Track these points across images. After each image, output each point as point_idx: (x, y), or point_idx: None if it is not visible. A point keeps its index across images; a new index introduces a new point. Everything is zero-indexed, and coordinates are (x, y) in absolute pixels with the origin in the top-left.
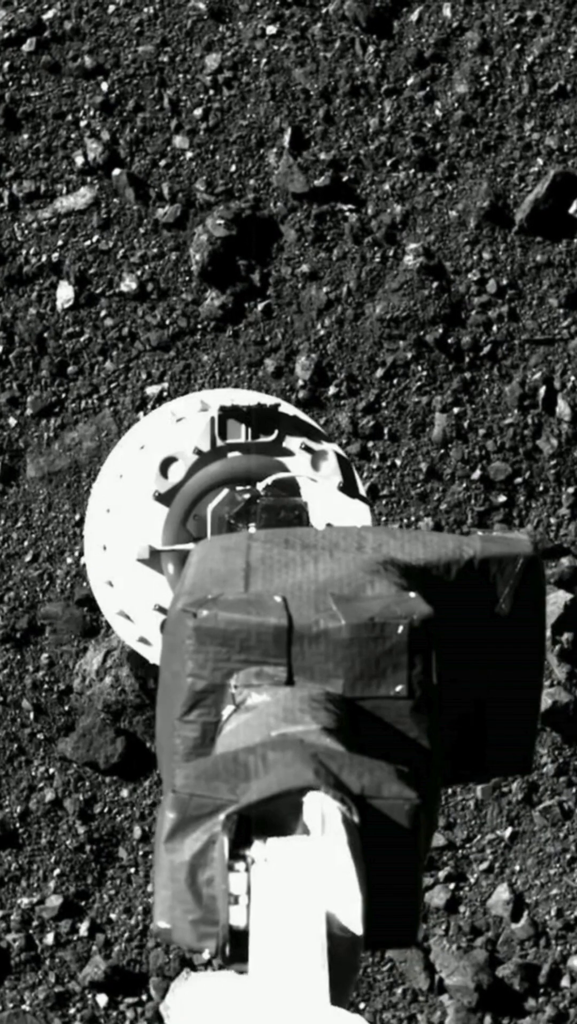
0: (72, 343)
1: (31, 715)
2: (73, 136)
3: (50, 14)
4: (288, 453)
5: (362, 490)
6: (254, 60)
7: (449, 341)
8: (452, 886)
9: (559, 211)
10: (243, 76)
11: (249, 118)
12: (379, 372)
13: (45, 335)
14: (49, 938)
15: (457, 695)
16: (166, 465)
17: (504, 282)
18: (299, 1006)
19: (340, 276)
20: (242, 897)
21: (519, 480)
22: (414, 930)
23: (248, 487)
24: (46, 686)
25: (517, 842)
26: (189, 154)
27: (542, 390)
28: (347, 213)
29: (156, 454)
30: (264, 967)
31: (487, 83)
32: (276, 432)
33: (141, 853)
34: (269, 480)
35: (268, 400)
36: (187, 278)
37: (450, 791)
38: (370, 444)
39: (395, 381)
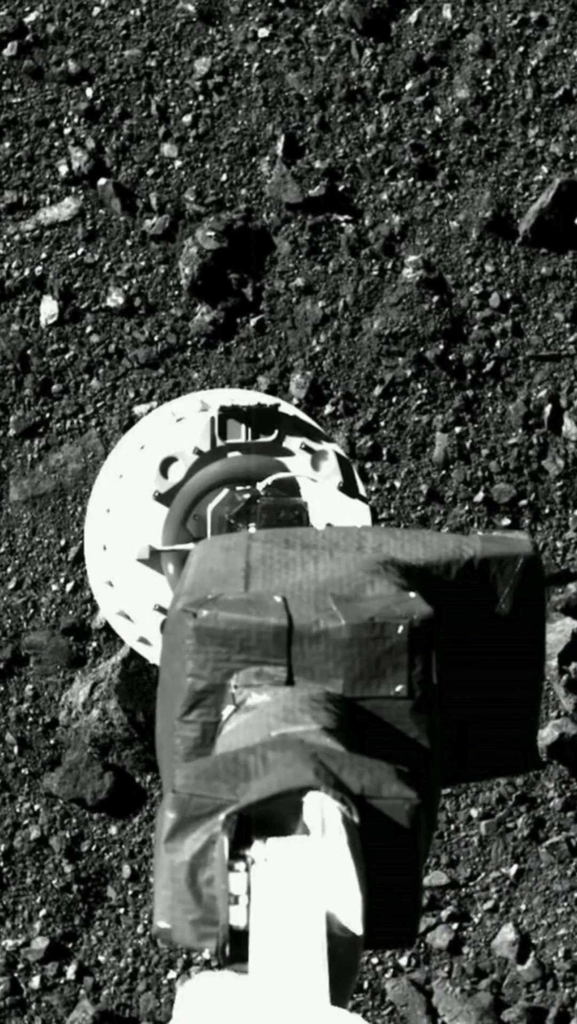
0: (56, 360)
1: (15, 749)
2: (57, 144)
3: (32, 17)
4: (288, 453)
5: (362, 490)
6: (245, 64)
7: (450, 357)
8: (455, 926)
9: (565, 221)
10: (234, 81)
11: (240, 125)
12: (377, 390)
13: (28, 352)
14: (35, 982)
15: (456, 696)
16: (166, 465)
17: (507, 296)
18: (299, 1006)
19: (336, 290)
20: (242, 897)
21: (524, 502)
22: (414, 930)
23: (248, 487)
24: (31, 719)
25: (523, 880)
26: (178, 163)
27: (548, 408)
28: (343, 224)
29: (156, 454)
30: (264, 967)
31: (489, 88)
32: (276, 432)
33: (130, 893)
34: (269, 480)
35: (268, 400)
36: (176, 292)
37: (452, 827)
38: (368, 465)
39: (394, 399)
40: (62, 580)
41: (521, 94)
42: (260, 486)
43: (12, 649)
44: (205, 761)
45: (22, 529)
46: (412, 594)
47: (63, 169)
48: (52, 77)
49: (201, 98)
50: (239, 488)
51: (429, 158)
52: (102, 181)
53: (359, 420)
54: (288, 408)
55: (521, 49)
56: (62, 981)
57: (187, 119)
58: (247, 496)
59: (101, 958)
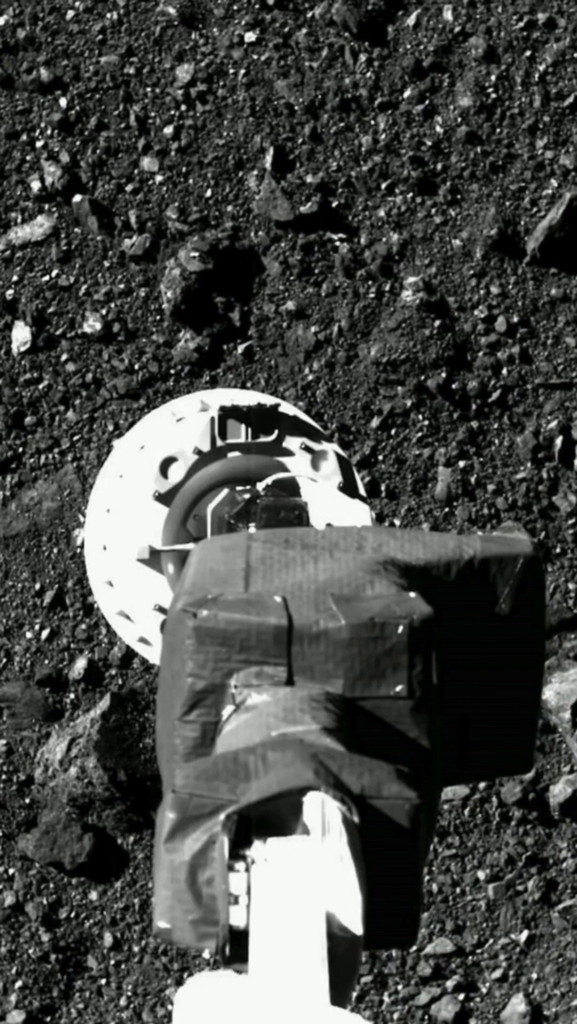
0: (29, 391)
1: None
2: (29, 158)
3: (1, 21)
4: (288, 453)
5: (362, 490)
6: (231, 71)
7: (453, 386)
8: (462, 997)
9: (576, 239)
10: (219, 89)
11: (226, 137)
12: (375, 422)
13: None
14: None
15: (456, 695)
16: (166, 465)
17: (515, 319)
18: (299, 1006)
19: (330, 314)
20: (242, 897)
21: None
22: (414, 930)
23: (248, 487)
24: (4, 776)
25: (534, 947)
26: (159, 178)
27: (558, 441)
28: (337, 243)
29: (156, 454)
30: (264, 967)
31: (494, 95)
32: (276, 432)
33: (112, 963)
34: (269, 480)
35: (268, 400)
36: (158, 317)
37: (458, 891)
38: None
39: (393, 432)
40: (37, 627)
41: (528, 102)
42: (260, 486)
43: None
44: (205, 761)
45: None
46: (412, 594)
47: (35, 185)
48: (23, 86)
49: (184, 108)
50: (239, 488)
51: (429, 171)
52: (77, 198)
53: (356, 454)
54: (288, 408)
55: (528, 53)
56: None
57: (168, 130)
58: (247, 496)
59: None
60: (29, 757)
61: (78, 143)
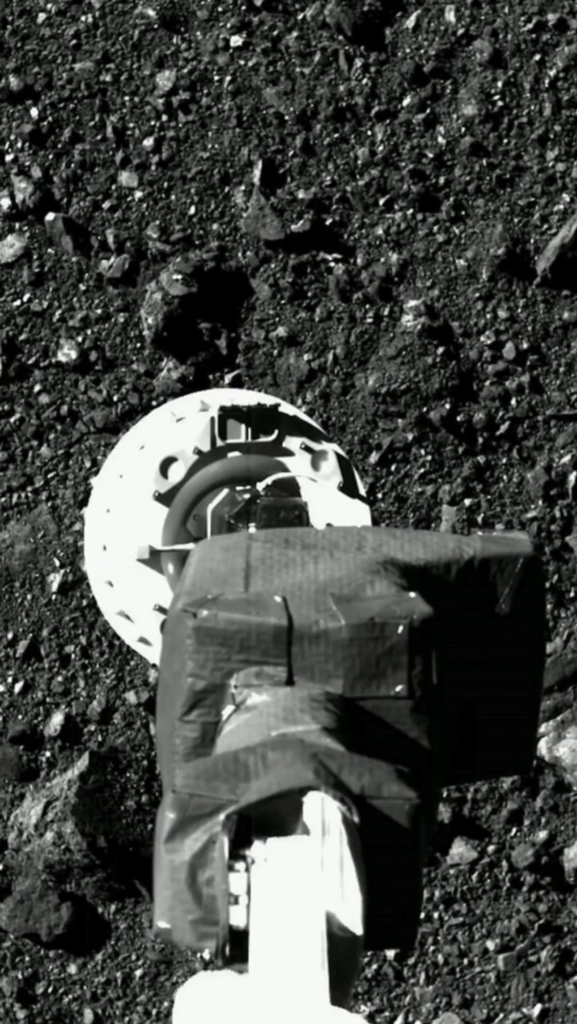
0: (0, 424)
1: None
2: None
3: None
4: (288, 453)
5: (362, 490)
6: (216, 78)
7: (458, 419)
8: None
9: None
10: (203, 98)
11: (211, 149)
12: (374, 456)
13: None
14: None
15: (457, 695)
16: (166, 465)
17: (524, 346)
18: (299, 1006)
19: (324, 341)
20: (242, 897)
21: (546, 584)
22: (414, 930)
23: (248, 487)
24: None
25: (548, 1022)
26: (138, 194)
27: (572, 476)
28: (332, 264)
29: (156, 454)
30: (264, 967)
31: (500, 103)
32: (276, 432)
33: None
34: (269, 480)
35: (268, 400)
36: (138, 345)
37: (466, 962)
38: None
39: (393, 467)
40: (10, 680)
41: (538, 110)
42: (260, 486)
43: None
44: (205, 761)
45: None
46: (412, 594)
47: (5, 202)
48: None
49: (165, 118)
50: (239, 488)
51: (431, 186)
52: (51, 216)
53: None
54: (288, 408)
55: (537, 57)
56: None
57: (148, 143)
58: (247, 496)
59: None
60: (2, 820)
61: (51, 157)
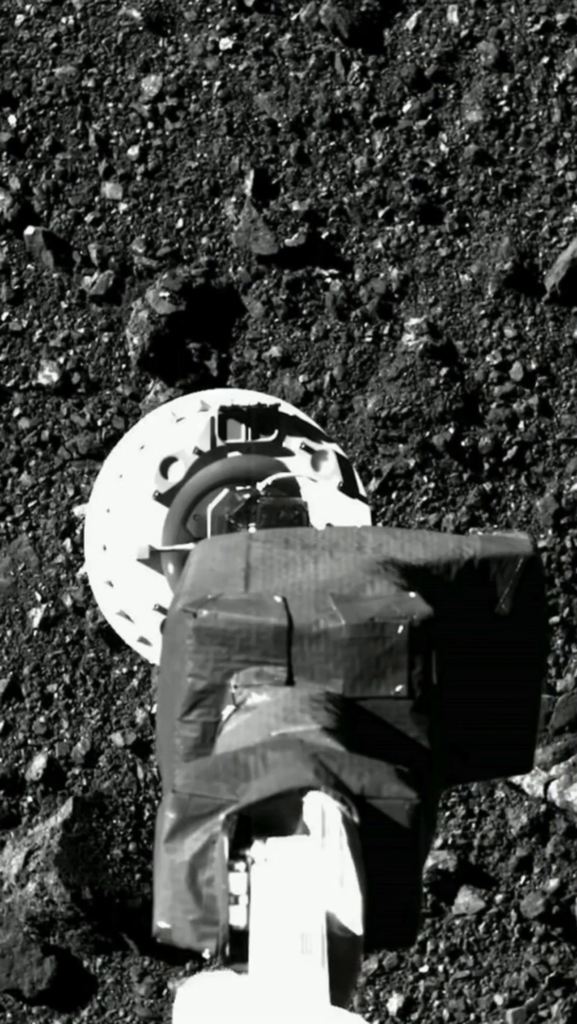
0: None
1: None
2: None
3: None
4: (288, 453)
5: (362, 490)
6: (205, 83)
7: (463, 443)
8: None
9: None
10: (191, 104)
11: (200, 158)
12: (373, 484)
13: None
14: None
15: (457, 695)
16: (166, 465)
17: (533, 366)
18: (299, 1006)
19: (320, 361)
20: (242, 897)
21: (555, 619)
22: (414, 930)
23: (248, 487)
24: None
25: None
26: (123, 206)
27: None
28: (328, 280)
29: (156, 454)
30: (264, 967)
31: (507, 108)
32: (276, 432)
33: None
34: (269, 480)
35: (268, 400)
36: (123, 366)
37: (473, 1017)
38: None
39: (394, 495)
40: None
41: (546, 116)
42: (260, 486)
43: None
44: (205, 761)
45: None
46: (412, 594)
47: None
48: None
49: (151, 126)
50: (239, 488)
51: (433, 197)
52: (30, 230)
53: None
54: (288, 408)
55: (545, 60)
56: None
57: (133, 152)
58: (247, 496)
59: None
60: None
61: (30, 167)
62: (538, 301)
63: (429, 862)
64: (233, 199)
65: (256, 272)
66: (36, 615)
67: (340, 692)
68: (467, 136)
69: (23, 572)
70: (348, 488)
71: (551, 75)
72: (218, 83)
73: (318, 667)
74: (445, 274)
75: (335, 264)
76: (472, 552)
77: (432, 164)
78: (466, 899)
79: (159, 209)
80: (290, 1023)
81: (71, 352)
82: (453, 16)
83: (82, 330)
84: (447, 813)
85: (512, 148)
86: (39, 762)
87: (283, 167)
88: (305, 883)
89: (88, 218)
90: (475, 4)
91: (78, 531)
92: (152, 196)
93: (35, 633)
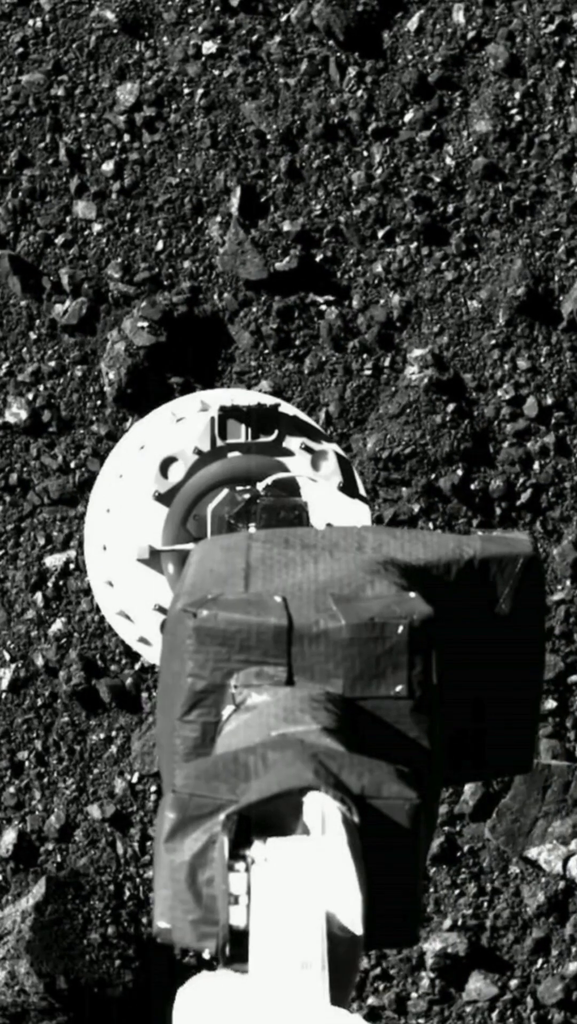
0: None
1: None
2: None
3: None
4: (288, 453)
5: (362, 490)
6: (186, 91)
7: (472, 486)
8: None
9: None
10: (171, 114)
11: (181, 174)
12: None
13: None
14: None
15: (458, 695)
16: (166, 465)
17: (548, 401)
18: (299, 1006)
19: (315, 396)
20: (242, 897)
21: (574, 678)
22: (414, 930)
23: (248, 487)
24: None
25: None
26: (97, 227)
27: None
28: (323, 307)
29: (156, 454)
30: (264, 967)
31: (518, 117)
32: (276, 432)
33: None
34: (269, 480)
35: (268, 400)
36: (98, 403)
37: None
38: None
39: None
40: None
41: (561, 125)
42: (260, 486)
43: None
44: (205, 761)
45: None
46: (412, 594)
47: None
48: None
49: (127, 138)
50: (239, 488)
51: (438, 215)
52: None
53: None
54: (288, 408)
55: (561, 64)
56: None
57: (108, 167)
58: (247, 496)
59: None
60: None
61: None
62: (554, 329)
63: (437, 944)
64: (218, 219)
65: (244, 299)
66: (5, 676)
67: (340, 692)
68: (475, 148)
69: None
70: (348, 488)
71: (567, 80)
72: (201, 91)
73: (318, 667)
74: (452, 300)
75: (330, 290)
76: (472, 552)
77: (437, 179)
78: (478, 984)
79: (137, 230)
80: (290, 1023)
81: (41, 387)
82: (459, 16)
83: (53, 363)
84: (456, 891)
85: (525, 161)
86: (9, 837)
87: (273, 183)
88: (305, 883)
89: (59, 240)
90: (483, 3)
91: (49, 583)
92: (129, 216)
93: (3, 696)
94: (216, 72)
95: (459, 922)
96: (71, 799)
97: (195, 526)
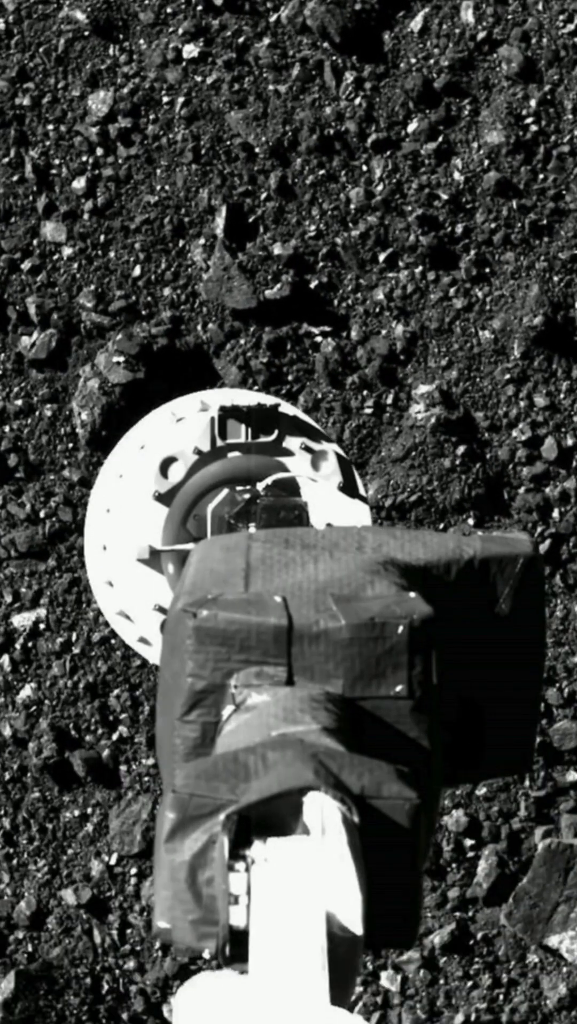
0: None
1: None
2: None
3: None
4: (288, 453)
5: (362, 490)
6: (165, 99)
7: None
8: None
9: None
10: (148, 125)
11: (160, 192)
12: None
13: None
14: None
15: (457, 695)
16: (166, 465)
17: (569, 441)
18: (299, 1006)
19: None
20: (242, 897)
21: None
22: (414, 930)
23: (248, 487)
24: None
25: None
26: (67, 251)
27: None
28: (318, 339)
29: (156, 454)
30: (264, 967)
31: (534, 127)
32: (276, 432)
33: None
34: (269, 480)
35: (268, 400)
36: (70, 445)
37: None
38: None
39: None
40: None
41: None
42: (260, 486)
43: None
44: (205, 761)
45: None
46: (412, 594)
47: None
48: None
49: (100, 152)
50: (239, 488)
51: (446, 236)
52: None
53: None
54: (288, 408)
55: None
56: None
57: (79, 184)
58: (247, 496)
59: None
60: None
61: None
62: (575, 362)
63: None
64: (201, 241)
65: (230, 330)
66: None
67: (340, 692)
68: (486, 162)
69: None
70: (348, 488)
71: None
72: (182, 99)
73: (318, 667)
74: (461, 331)
75: (326, 319)
76: (472, 552)
77: (444, 196)
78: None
79: (111, 254)
80: (290, 1023)
81: (7, 429)
82: (468, 15)
83: (19, 402)
84: (469, 983)
85: (541, 176)
86: None
87: (262, 202)
88: (305, 883)
89: (25, 265)
90: (495, 0)
91: (17, 645)
92: (103, 238)
93: None
94: (198, 78)
95: (472, 1017)
96: (43, 883)
97: (195, 526)
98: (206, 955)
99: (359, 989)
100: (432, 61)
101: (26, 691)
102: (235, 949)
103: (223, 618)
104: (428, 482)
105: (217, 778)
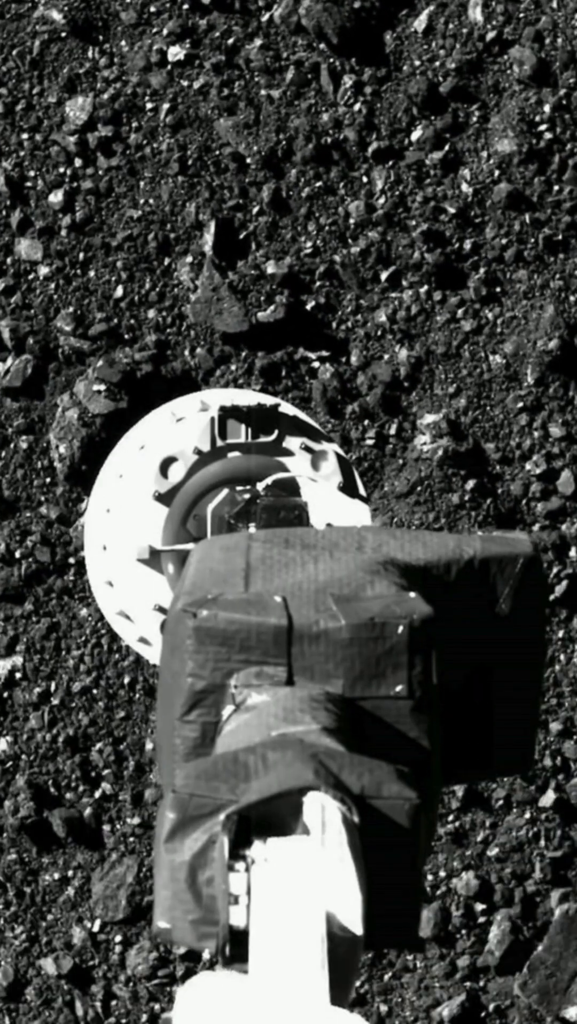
0: None
1: None
2: None
3: None
4: (288, 453)
5: (362, 490)
6: (149, 106)
7: None
8: None
9: None
10: (131, 134)
11: (144, 206)
12: None
13: None
14: None
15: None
16: (166, 465)
17: None
18: (299, 1006)
19: None
20: (242, 897)
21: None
22: (415, 930)
23: (248, 487)
24: None
25: None
26: (44, 270)
27: None
28: (315, 364)
29: (156, 454)
30: (264, 967)
31: (548, 135)
32: (276, 432)
33: None
34: (269, 480)
35: (268, 400)
36: (47, 480)
37: None
38: None
39: None
40: None
41: None
42: (260, 486)
43: None
44: (205, 761)
45: None
46: (412, 594)
47: None
48: None
49: (78, 163)
50: (239, 488)
51: (453, 253)
52: None
53: None
54: (288, 408)
55: None
56: None
57: (57, 198)
58: (247, 496)
59: None
60: None
61: None
62: None
63: None
64: (189, 259)
65: (220, 355)
66: None
67: (340, 692)
68: (497, 172)
69: None
70: (348, 488)
71: None
72: (167, 106)
73: (318, 667)
74: (470, 355)
75: (324, 344)
76: (472, 552)
77: (451, 210)
78: None
79: (91, 273)
80: (290, 1023)
81: None
82: (476, 13)
83: None
84: None
85: (556, 187)
86: None
87: (254, 216)
88: (305, 883)
89: None
90: None
91: None
92: (82, 256)
93: None
94: (185, 83)
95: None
96: (20, 951)
97: (195, 526)
98: (206, 955)
99: None
100: (437, 63)
101: (1, 746)
102: (235, 949)
103: (223, 618)
104: (435, 519)
105: (217, 778)
